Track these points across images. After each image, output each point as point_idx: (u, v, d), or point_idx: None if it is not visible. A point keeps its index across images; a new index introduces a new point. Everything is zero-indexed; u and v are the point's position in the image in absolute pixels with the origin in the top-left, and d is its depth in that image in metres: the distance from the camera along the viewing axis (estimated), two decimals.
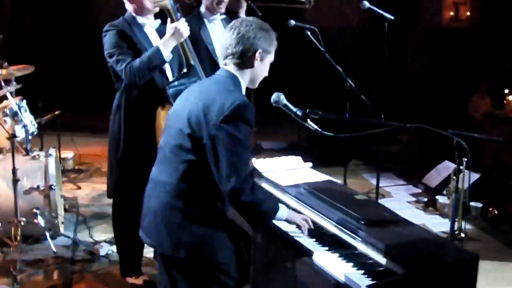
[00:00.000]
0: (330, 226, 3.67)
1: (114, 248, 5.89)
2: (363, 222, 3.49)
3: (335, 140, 8.39)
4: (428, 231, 3.65)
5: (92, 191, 7.84)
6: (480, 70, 14.51)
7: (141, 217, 3.62)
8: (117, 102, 4.93)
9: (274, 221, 3.65)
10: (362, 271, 3.18)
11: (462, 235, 6.42)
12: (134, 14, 4.86)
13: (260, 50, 3.44)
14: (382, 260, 3.23)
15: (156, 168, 3.58)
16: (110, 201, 5.31)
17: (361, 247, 3.40)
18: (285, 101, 3.63)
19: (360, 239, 3.41)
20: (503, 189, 7.45)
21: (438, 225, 6.77)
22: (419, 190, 7.94)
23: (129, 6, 4.88)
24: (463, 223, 6.56)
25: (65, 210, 6.90)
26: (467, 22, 15.54)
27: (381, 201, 7.40)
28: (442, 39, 12.15)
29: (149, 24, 4.91)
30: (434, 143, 8.65)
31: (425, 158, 9.05)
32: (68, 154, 8.66)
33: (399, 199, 7.65)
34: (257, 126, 9.98)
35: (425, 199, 7.45)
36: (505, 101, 12.41)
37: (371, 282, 3.03)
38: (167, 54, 4.59)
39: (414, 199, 7.67)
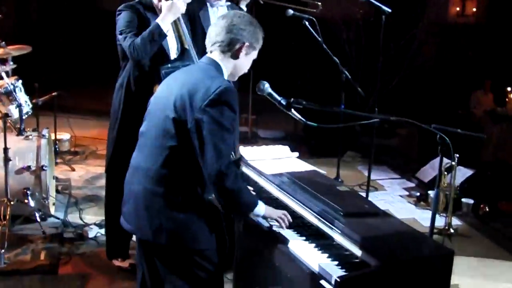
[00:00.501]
0: (309, 216, 3.67)
1: (103, 231, 5.92)
2: (342, 214, 3.49)
3: (331, 131, 8.48)
4: (406, 225, 3.63)
5: (86, 173, 7.86)
6: (484, 67, 14.48)
7: (122, 203, 3.63)
8: (120, 80, 5.00)
9: (253, 216, 3.63)
10: (336, 262, 3.19)
11: (452, 230, 6.42)
12: (154, 0, 4.89)
13: (247, 43, 3.46)
14: (357, 252, 3.23)
15: (137, 154, 3.58)
16: (103, 183, 5.32)
17: (338, 238, 3.40)
18: (269, 90, 3.62)
19: (337, 230, 3.41)
20: (495, 187, 7.44)
21: (428, 220, 6.69)
22: (413, 184, 7.94)
23: None
24: (453, 219, 6.57)
25: (57, 191, 6.92)
26: (473, 18, 15.49)
27: (374, 194, 7.43)
28: (447, 34, 12.11)
29: None
30: (434, 137, 8.61)
31: (424, 153, 9.04)
32: (64, 135, 8.67)
33: (392, 193, 7.65)
34: (254, 115, 10.08)
35: (418, 194, 7.44)
36: (507, 99, 12.38)
37: (344, 273, 3.04)
38: (166, 28, 4.65)
39: (406, 193, 7.67)
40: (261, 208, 3.54)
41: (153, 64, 4.77)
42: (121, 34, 4.73)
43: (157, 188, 3.38)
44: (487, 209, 7.02)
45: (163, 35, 4.65)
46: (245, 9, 6.84)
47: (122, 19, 4.78)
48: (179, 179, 3.38)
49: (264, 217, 3.62)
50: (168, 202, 3.37)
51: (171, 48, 4.90)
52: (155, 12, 4.86)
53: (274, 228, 3.63)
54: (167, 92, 3.48)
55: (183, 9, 4.72)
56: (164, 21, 4.63)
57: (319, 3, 7.99)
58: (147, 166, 3.44)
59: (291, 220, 3.67)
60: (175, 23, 4.85)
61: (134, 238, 5.30)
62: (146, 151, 3.50)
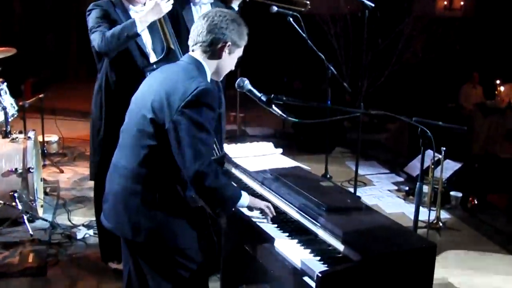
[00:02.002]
0: (292, 212, 3.67)
1: (91, 232, 5.92)
2: (324, 209, 3.49)
3: (320, 127, 8.49)
4: (389, 219, 3.63)
5: (75, 175, 7.85)
6: (472, 60, 14.52)
7: (102, 201, 3.63)
8: (98, 83, 4.96)
9: (238, 207, 3.61)
10: (319, 258, 3.18)
11: (440, 224, 6.44)
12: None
13: (229, 43, 3.43)
14: (340, 246, 3.23)
15: (117, 152, 3.59)
16: (91, 185, 5.30)
17: (321, 233, 3.40)
18: (249, 86, 3.62)
19: (320, 225, 3.42)
20: (484, 179, 7.46)
21: None
22: (402, 179, 7.95)
23: None
24: (442, 212, 6.58)
25: (46, 193, 6.92)
26: (461, 12, 15.54)
27: (363, 189, 7.44)
28: (435, 28, 12.14)
29: (135, 10, 4.87)
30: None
31: (414, 147, 9.05)
32: (52, 137, 8.67)
33: (381, 188, 7.66)
34: (243, 112, 10.08)
35: (406, 188, 7.45)
36: (496, 92, 12.42)
37: (325, 268, 3.03)
38: (141, 28, 4.56)
39: (395, 187, 7.68)
40: (245, 199, 3.54)
41: (135, 66, 4.75)
42: (91, 31, 4.68)
43: (135, 187, 3.38)
44: (476, 202, 7.04)
45: (135, 35, 4.57)
46: (236, 8, 6.85)
47: (91, 18, 4.73)
48: (157, 177, 3.38)
49: (249, 207, 3.61)
50: (146, 201, 3.37)
51: (154, 47, 4.89)
52: (126, 10, 4.83)
53: (257, 222, 3.64)
54: (146, 91, 3.48)
55: (166, 10, 4.65)
56: (143, 20, 4.56)
57: (308, 2, 8.01)
58: (126, 164, 3.45)
59: (274, 213, 3.67)
60: (160, 23, 4.81)
61: None
62: (125, 149, 3.50)
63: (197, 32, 3.46)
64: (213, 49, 3.43)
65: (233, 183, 3.98)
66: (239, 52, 3.54)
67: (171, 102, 3.25)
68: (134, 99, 3.59)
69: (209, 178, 3.24)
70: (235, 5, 6.27)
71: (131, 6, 4.86)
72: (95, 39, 4.61)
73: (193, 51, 3.50)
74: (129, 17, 4.80)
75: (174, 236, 3.41)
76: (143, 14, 4.58)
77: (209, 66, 3.48)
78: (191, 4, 5.53)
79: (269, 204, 3.70)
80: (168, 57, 4.76)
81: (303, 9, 7.75)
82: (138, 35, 4.60)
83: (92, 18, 4.72)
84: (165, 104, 3.27)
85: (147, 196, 3.37)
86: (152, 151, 3.35)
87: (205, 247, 3.64)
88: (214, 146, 4.46)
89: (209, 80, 3.49)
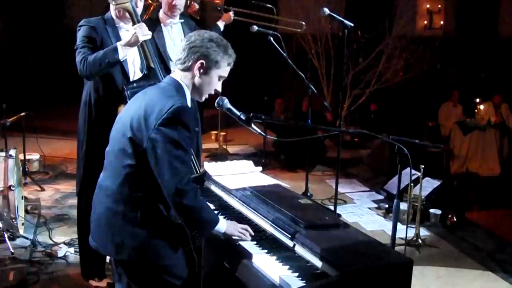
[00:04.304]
0: (271, 229, 3.70)
1: (72, 250, 5.91)
2: (302, 226, 3.53)
3: (300, 145, 8.54)
4: (366, 235, 3.67)
5: (56, 193, 7.84)
6: (452, 79, 14.67)
7: (90, 222, 3.68)
8: (83, 98, 5.02)
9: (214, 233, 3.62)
10: (297, 274, 3.22)
11: (420, 241, 6.48)
12: (114, 17, 4.91)
13: (203, 61, 3.46)
14: (318, 263, 3.26)
15: (102, 173, 3.64)
16: (73, 203, 5.31)
17: (299, 250, 3.43)
18: (228, 105, 3.66)
19: (298, 242, 3.45)
20: (462, 197, 7.52)
21: (397, 231, 6.78)
22: (382, 197, 7.99)
23: (112, 8, 4.91)
24: (421, 229, 6.63)
25: (27, 211, 6.91)
26: (441, 31, 15.70)
27: (343, 206, 7.48)
28: (415, 47, 12.25)
29: (126, 28, 4.90)
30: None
31: (394, 165, 9.10)
32: (33, 156, 8.67)
33: (361, 205, 7.70)
34: (224, 131, 10.13)
35: (386, 206, 7.50)
36: (476, 110, 12.54)
37: (303, 285, 3.07)
38: (122, 55, 4.62)
39: (375, 205, 7.72)
40: (222, 225, 3.58)
41: (114, 84, 4.79)
42: (76, 50, 4.75)
43: (118, 206, 3.43)
44: (455, 219, 7.09)
45: (116, 61, 4.63)
46: (222, 28, 6.95)
47: (79, 34, 4.80)
48: (139, 196, 3.43)
49: (225, 234, 3.62)
50: (128, 220, 3.42)
51: (135, 67, 4.92)
52: (116, 28, 4.88)
53: (235, 239, 3.65)
54: (127, 113, 3.53)
55: (142, 37, 4.63)
56: (124, 47, 4.62)
57: (303, 23, 8.12)
58: (109, 185, 3.50)
59: (253, 234, 3.68)
60: (141, 43, 4.85)
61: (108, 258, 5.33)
62: (108, 170, 3.56)
63: (177, 52, 3.54)
64: (188, 67, 3.48)
65: (211, 207, 3.97)
66: (219, 72, 3.54)
67: (148, 121, 3.31)
68: (116, 121, 3.63)
69: (187, 196, 3.30)
70: (221, 25, 6.35)
71: (121, 24, 4.91)
72: (78, 61, 4.67)
73: (173, 71, 3.57)
74: (118, 35, 4.85)
75: (157, 253, 3.46)
76: (124, 42, 4.63)
77: (187, 85, 3.52)
78: (162, 25, 5.58)
79: (246, 227, 3.70)
80: (149, 75, 4.80)
81: (299, 30, 7.94)
82: (119, 61, 4.66)
83: (79, 36, 4.80)
84: (143, 123, 3.33)
85: (129, 215, 3.41)
86: (132, 170, 3.40)
87: (186, 264, 3.66)
88: (192, 164, 4.50)
89: (189, 100, 3.53)
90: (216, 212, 3.93)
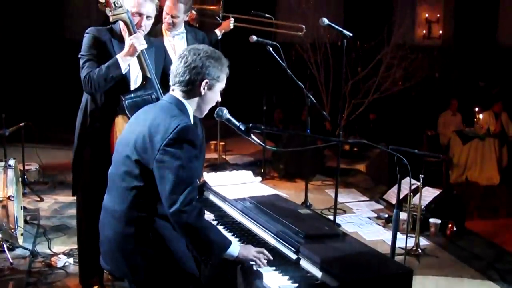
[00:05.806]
0: (271, 239, 3.71)
1: (71, 260, 5.89)
2: (302, 236, 3.53)
3: (299, 155, 8.53)
4: (366, 246, 3.67)
5: (55, 203, 7.82)
6: (451, 88, 14.69)
7: (99, 244, 3.67)
8: (81, 104, 5.00)
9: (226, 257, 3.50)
10: (296, 284, 3.23)
11: (420, 251, 6.46)
12: (121, 29, 4.87)
13: (207, 80, 3.47)
14: (318, 273, 3.27)
15: (107, 196, 3.64)
16: (72, 213, 5.28)
17: (300, 260, 3.44)
18: (228, 115, 3.66)
19: (298, 252, 3.45)
20: (462, 206, 7.50)
21: (397, 241, 6.77)
22: (381, 207, 7.96)
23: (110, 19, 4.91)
24: (421, 239, 6.62)
25: (26, 221, 6.88)
26: (440, 40, 15.74)
27: (343, 216, 7.45)
28: (414, 56, 12.27)
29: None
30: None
31: (394, 175, 9.10)
32: (32, 166, 8.67)
33: (360, 215, 7.66)
34: (223, 141, 10.12)
35: (386, 215, 7.47)
36: (475, 119, 12.55)
37: None
38: (124, 67, 4.62)
39: (375, 215, 7.68)
40: (235, 249, 3.48)
41: (113, 93, 4.78)
42: (80, 59, 4.74)
43: (128, 229, 3.43)
44: (455, 229, 7.07)
45: (119, 75, 4.63)
46: (219, 35, 6.95)
47: (84, 43, 4.78)
48: (149, 217, 3.43)
49: (238, 258, 3.49)
50: (141, 241, 3.43)
51: (132, 77, 4.92)
52: (122, 40, 4.86)
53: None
54: (129, 133, 3.54)
55: (140, 47, 4.63)
56: (124, 59, 4.62)
57: (303, 26, 8.14)
58: (115, 207, 3.49)
59: (271, 258, 3.53)
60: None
61: None
62: (113, 193, 3.55)
63: (175, 72, 3.51)
64: (191, 88, 3.49)
65: (222, 230, 3.85)
66: (220, 85, 3.57)
67: (154, 142, 3.32)
68: (118, 142, 3.64)
69: (190, 216, 3.28)
70: (219, 33, 6.35)
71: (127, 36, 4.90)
72: (82, 78, 4.66)
73: (173, 90, 3.55)
74: (123, 47, 4.81)
75: (173, 271, 3.47)
76: (123, 54, 4.63)
77: (191, 104, 3.53)
78: (164, 35, 5.59)
79: (263, 250, 3.56)
80: (145, 85, 4.80)
81: (300, 34, 7.93)
82: (122, 75, 4.66)
83: (84, 44, 4.78)
84: (148, 145, 3.33)
85: (141, 236, 3.42)
86: (140, 192, 3.40)
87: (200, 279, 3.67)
88: None
89: (191, 118, 3.53)
90: (215, 222, 3.94)
